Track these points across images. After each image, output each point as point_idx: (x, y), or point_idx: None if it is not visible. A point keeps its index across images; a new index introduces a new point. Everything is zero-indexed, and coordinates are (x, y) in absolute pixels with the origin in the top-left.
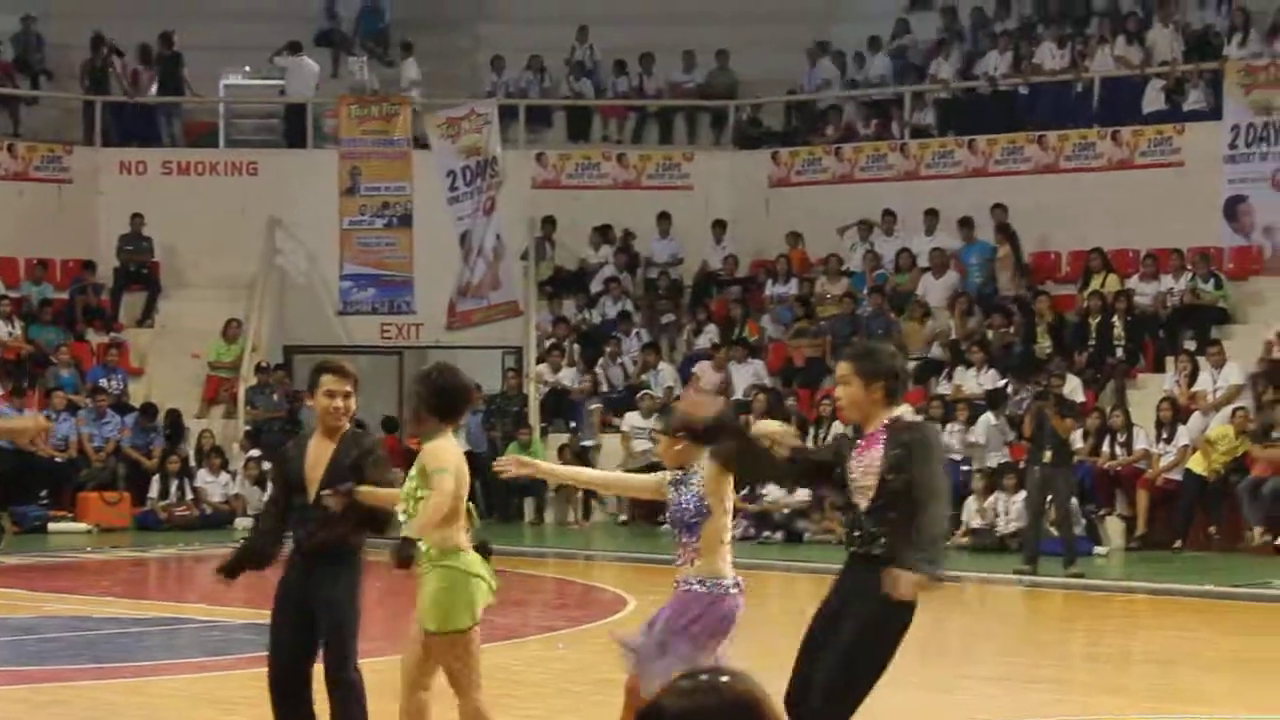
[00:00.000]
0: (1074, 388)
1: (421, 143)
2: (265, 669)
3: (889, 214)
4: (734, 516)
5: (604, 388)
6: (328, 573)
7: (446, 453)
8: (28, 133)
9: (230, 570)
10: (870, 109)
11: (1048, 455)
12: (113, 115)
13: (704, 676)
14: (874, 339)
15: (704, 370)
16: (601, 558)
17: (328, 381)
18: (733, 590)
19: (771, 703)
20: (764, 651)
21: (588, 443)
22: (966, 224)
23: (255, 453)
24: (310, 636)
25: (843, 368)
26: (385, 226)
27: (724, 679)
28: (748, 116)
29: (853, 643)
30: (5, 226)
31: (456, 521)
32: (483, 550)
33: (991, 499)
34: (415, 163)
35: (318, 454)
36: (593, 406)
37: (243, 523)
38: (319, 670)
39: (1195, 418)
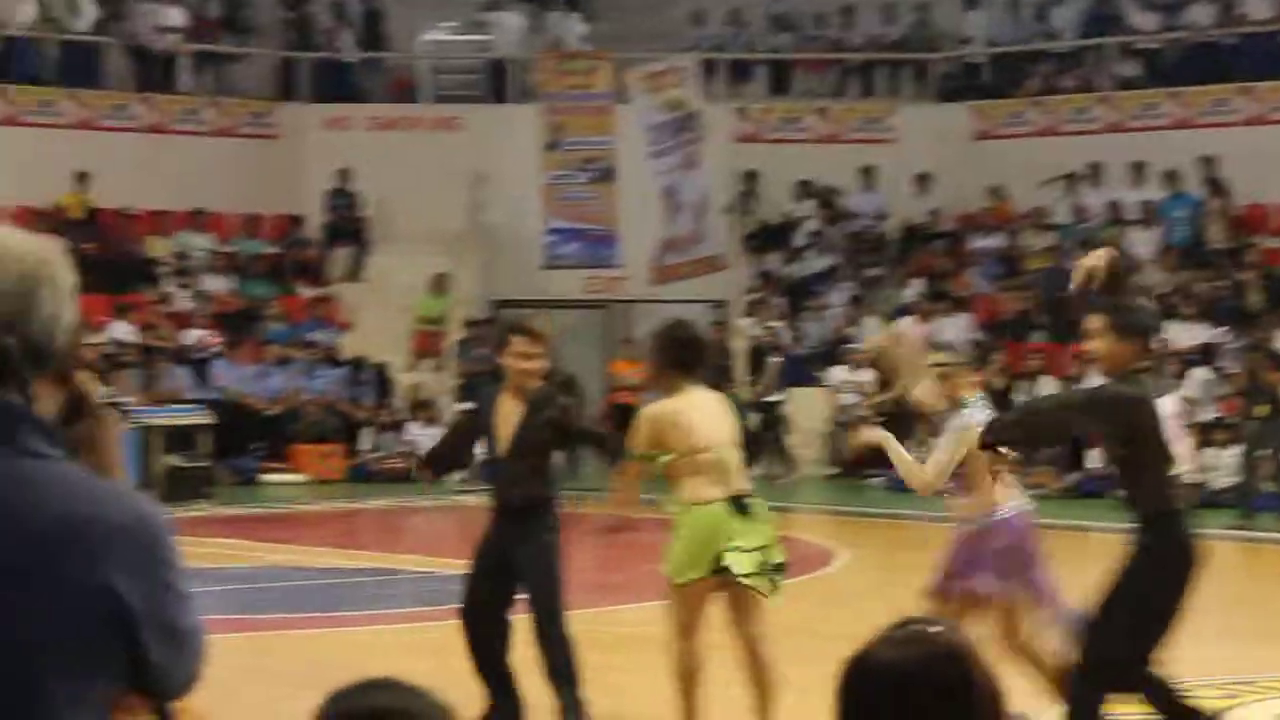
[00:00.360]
0: None
1: (624, 97)
2: None
3: (1094, 166)
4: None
5: (808, 342)
6: (526, 528)
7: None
8: (234, 89)
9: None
10: (1068, 60)
11: (1262, 409)
12: (316, 71)
13: (915, 627)
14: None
15: (906, 325)
16: (806, 511)
17: (519, 343)
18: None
19: (980, 655)
20: None
21: (773, 398)
22: (1171, 177)
23: (465, 406)
24: (507, 588)
25: (1095, 321)
26: (588, 181)
27: (934, 629)
28: (951, 69)
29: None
30: (215, 183)
31: (700, 474)
32: (738, 506)
33: (1205, 453)
34: (618, 117)
35: (506, 412)
36: (774, 360)
37: (453, 474)
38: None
39: None
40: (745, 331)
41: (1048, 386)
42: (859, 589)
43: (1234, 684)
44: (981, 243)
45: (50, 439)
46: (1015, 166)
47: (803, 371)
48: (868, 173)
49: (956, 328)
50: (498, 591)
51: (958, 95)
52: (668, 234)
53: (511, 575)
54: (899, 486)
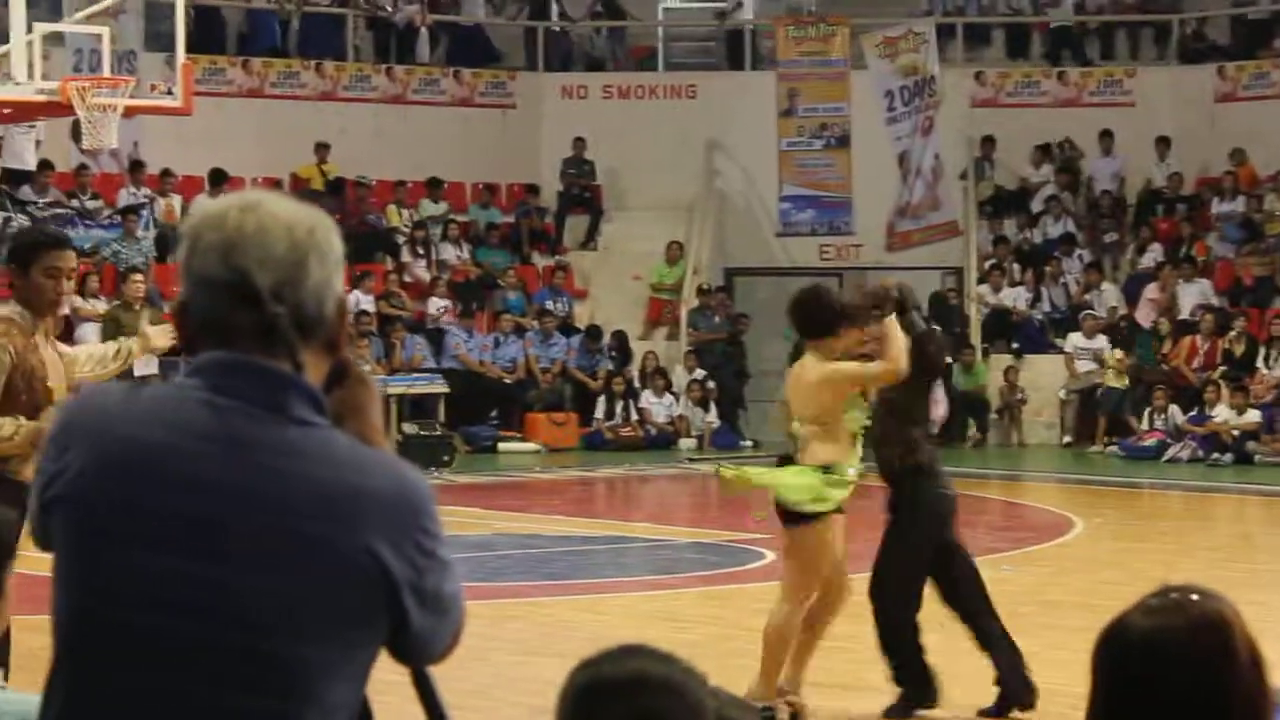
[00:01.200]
0: None
1: (859, 63)
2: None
3: None
4: (1182, 438)
5: (1046, 308)
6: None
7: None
8: (473, 60)
9: None
10: None
11: None
12: (553, 40)
13: (1174, 595)
14: None
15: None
16: (1042, 479)
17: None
18: None
19: (1242, 623)
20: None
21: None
22: None
23: (699, 374)
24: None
25: None
26: (823, 147)
27: (1194, 597)
28: (1192, 30)
29: None
30: (452, 152)
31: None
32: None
33: None
34: (853, 83)
35: None
36: None
37: (686, 444)
38: None
39: None
40: (982, 298)
41: None
42: (1097, 557)
43: None
44: (1222, 207)
45: (318, 407)
46: (1257, 129)
47: (1041, 338)
48: (1106, 136)
49: (1196, 293)
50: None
51: (1199, 57)
52: (902, 200)
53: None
54: (1136, 455)
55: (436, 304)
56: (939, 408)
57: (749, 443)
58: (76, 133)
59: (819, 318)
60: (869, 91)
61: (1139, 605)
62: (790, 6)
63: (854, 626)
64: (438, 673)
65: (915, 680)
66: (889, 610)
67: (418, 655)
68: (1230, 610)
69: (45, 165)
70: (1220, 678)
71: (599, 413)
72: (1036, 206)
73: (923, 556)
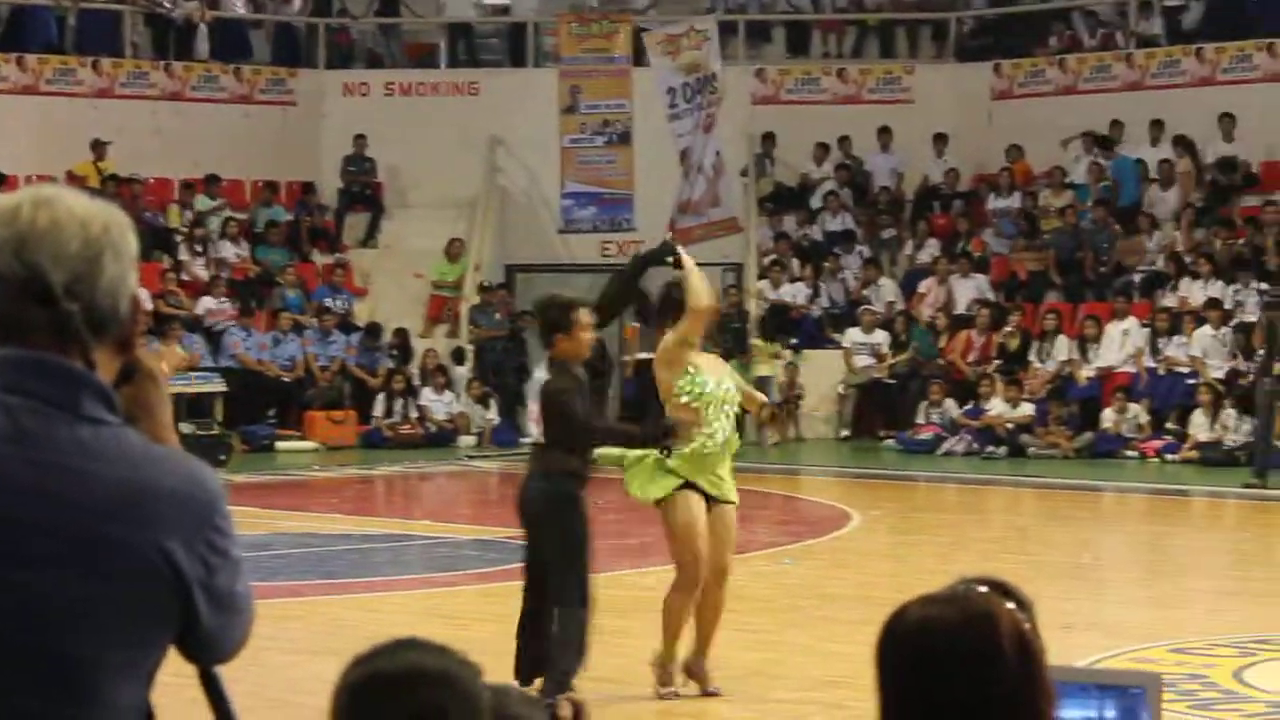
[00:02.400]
0: None
1: (641, 60)
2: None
3: (1115, 125)
4: (957, 431)
5: (825, 303)
6: None
7: None
8: (252, 57)
9: None
10: (1094, 19)
11: (1278, 367)
12: (334, 38)
13: (961, 586)
14: (1096, 253)
15: (925, 286)
16: (820, 473)
17: (585, 317)
18: None
19: (1010, 620)
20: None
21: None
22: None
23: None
24: None
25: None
26: (605, 144)
27: (977, 590)
28: (969, 29)
29: None
30: (232, 149)
31: None
32: None
33: (1219, 412)
34: (635, 80)
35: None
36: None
37: (465, 441)
38: None
39: None
40: (761, 294)
41: (1062, 347)
42: (874, 550)
43: (1250, 642)
44: (998, 203)
45: (110, 405)
46: (1033, 126)
47: (820, 334)
48: (885, 133)
49: (972, 288)
50: None
51: (976, 55)
52: (684, 197)
53: None
54: (912, 448)
55: (209, 303)
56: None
57: (530, 439)
58: None
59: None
60: (651, 88)
61: (923, 595)
62: (573, 3)
63: (625, 621)
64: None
65: None
66: None
67: (207, 654)
68: (999, 606)
69: None
70: (983, 671)
71: (378, 410)
72: (816, 202)
73: None
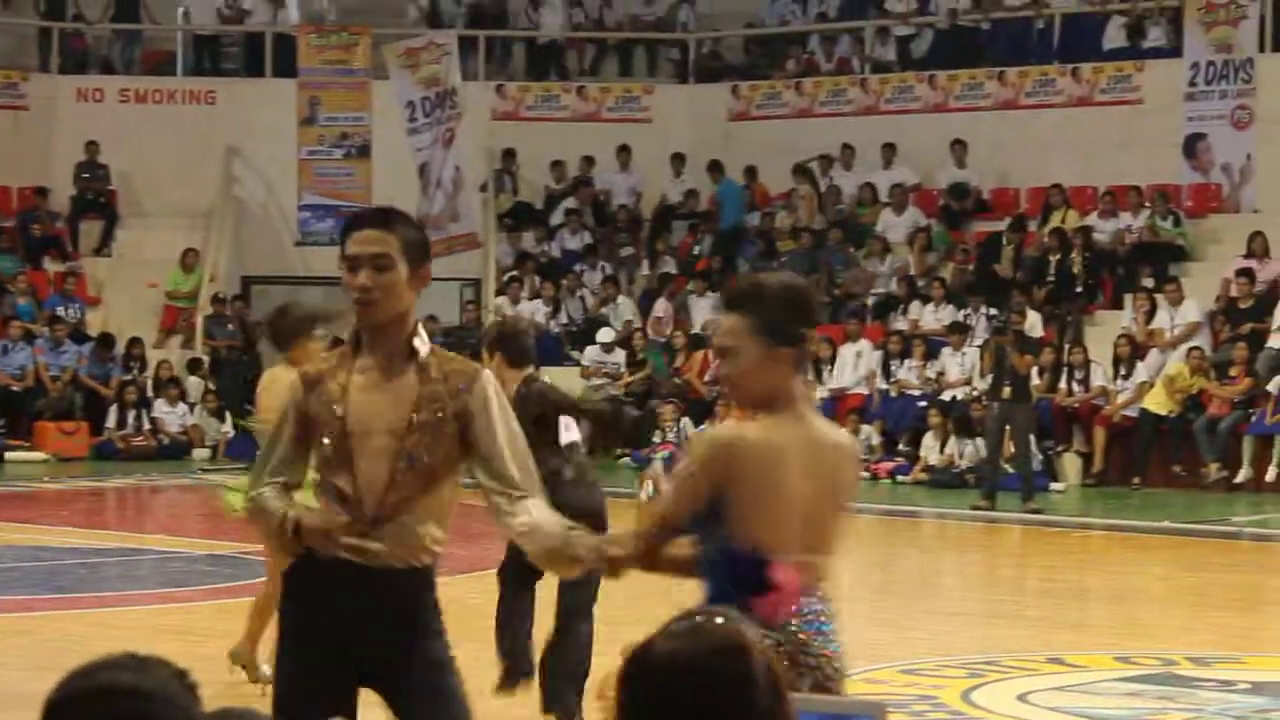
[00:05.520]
0: (1033, 324)
1: (381, 73)
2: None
3: (848, 148)
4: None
5: (564, 320)
6: None
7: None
8: None
9: None
10: (824, 43)
11: (1006, 391)
12: (69, 42)
13: (699, 618)
14: (831, 274)
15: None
16: None
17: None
18: None
19: (760, 649)
20: None
21: None
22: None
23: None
24: None
25: None
26: (344, 157)
27: (717, 621)
28: (708, 50)
29: None
30: None
31: None
32: None
33: (949, 436)
34: (374, 93)
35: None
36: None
37: (200, 453)
38: None
39: (1153, 355)
40: (500, 310)
41: None
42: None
43: (979, 663)
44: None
45: None
46: (770, 148)
47: (558, 351)
48: (624, 151)
49: (708, 307)
50: None
51: (714, 76)
52: (422, 212)
53: None
54: (645, 465)
55: None
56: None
57: None
58: None
59: (284, 329)
60: (390, 102)
61: (664, 629)
62: (311, 14)
63: None
64: None
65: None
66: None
67: None
68: (749, 635)
69: None
70: (738, 700)
71: (111, 422)
72: (555, 220)
73: None
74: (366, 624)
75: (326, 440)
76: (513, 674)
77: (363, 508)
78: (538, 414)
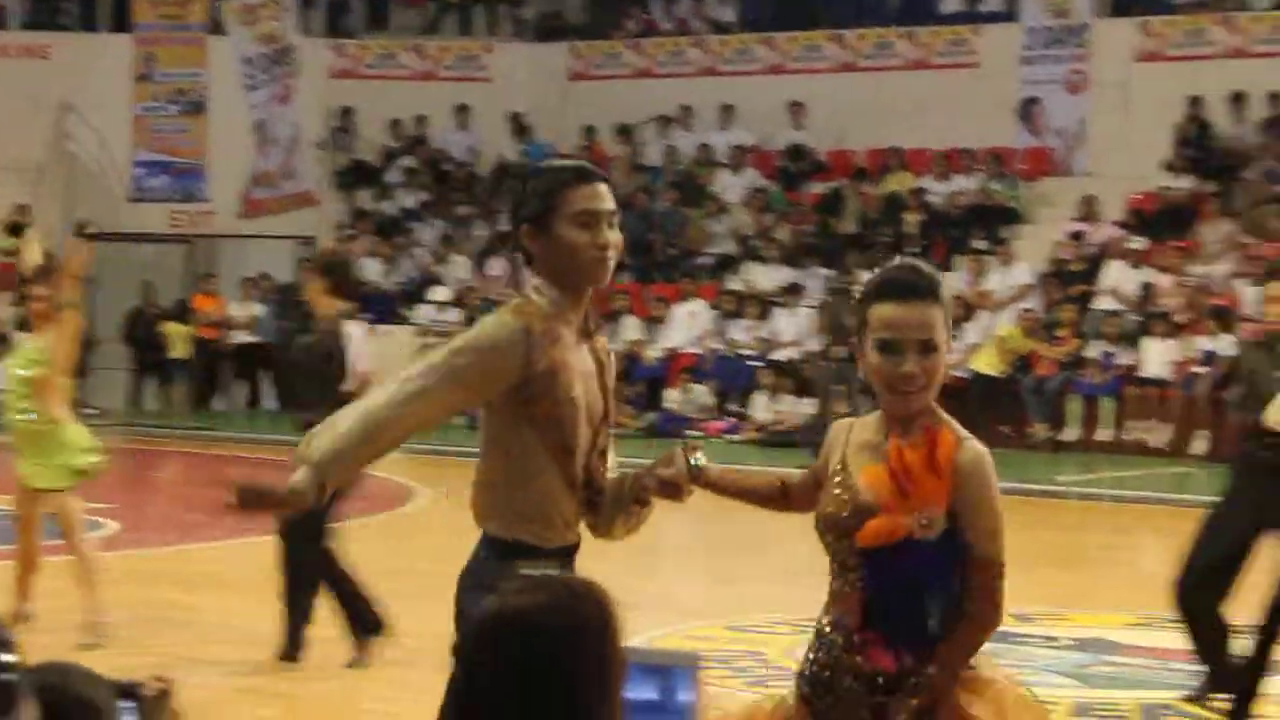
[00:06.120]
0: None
1: (218, 29)
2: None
3: (686, 109)
4: None
5: (400, 279)
6: None
7: None
8: None
9: None
10: (670, 3)
11: (840, 351)
12: None
13: (535, 575)
14: (666, 235)
15: (494, 265)
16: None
17: None
18: None
19: (601, 600)
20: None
21: None
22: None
23: None
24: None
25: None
26: (179, 113)
27: (553, 576)
28: (547, 9)
29: None
30: None
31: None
32: None
33: (781, 395)
34: (211, 49)
35: None
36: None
37: None
38: None
39: (983, 316)
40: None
41: (631, 327)
42: (436, 526)
43: (805, 620)
44: None
45: None
46: (609, 107)
47: (390, 309)
48: (462, 110)
49: None
50: None
51: (554, 35)
52: (258, 169)
53: None
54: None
55: None
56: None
57: (94, 410)
58: None
59: None
60: (228, 58)
61: (513, 585)
62: None
63: (195, 597)
64: None
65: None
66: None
67: None
68: (596, 590)
69: None
70: (572, 649)
71: None
72: (392, 178)
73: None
74: None
75: None
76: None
77: None
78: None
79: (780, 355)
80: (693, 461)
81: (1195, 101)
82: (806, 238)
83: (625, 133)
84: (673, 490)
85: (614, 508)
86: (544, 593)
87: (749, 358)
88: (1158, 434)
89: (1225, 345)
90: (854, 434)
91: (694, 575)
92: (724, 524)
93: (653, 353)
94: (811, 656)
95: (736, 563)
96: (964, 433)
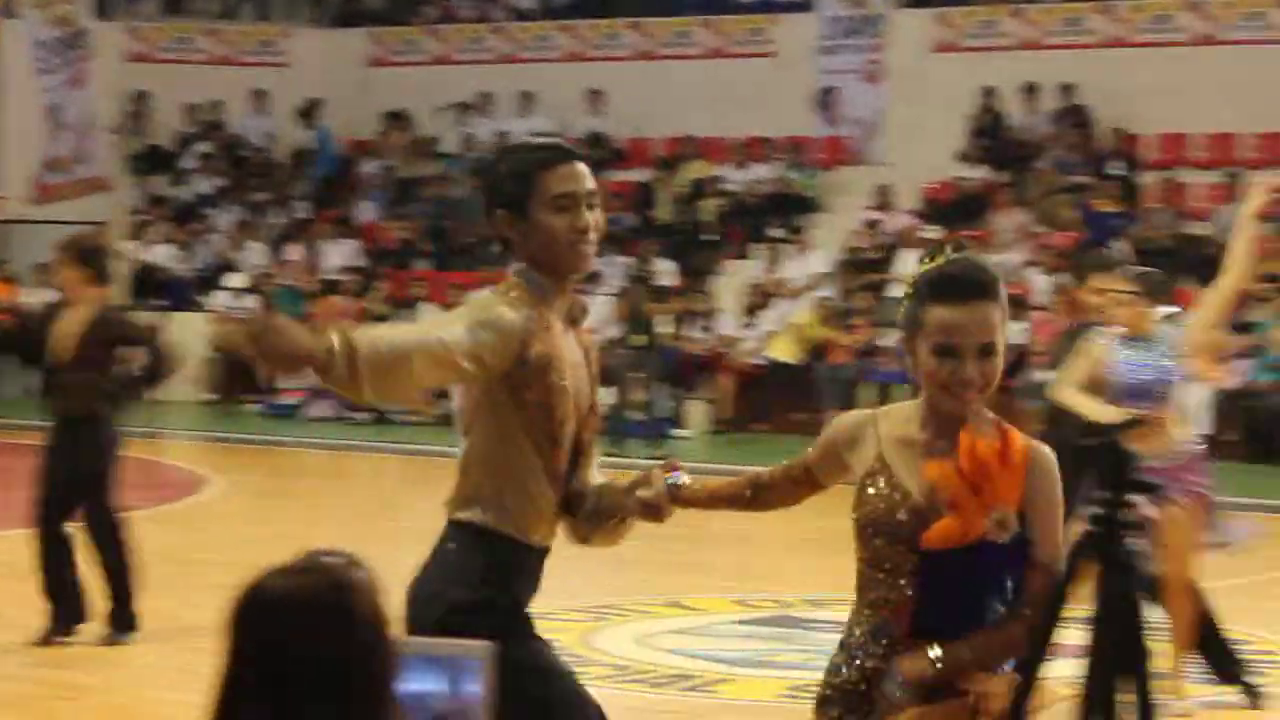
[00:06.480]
0: (665, 272)
1: (10, 12)
2: None
3: (486, 96)
4: (319, 397)
5: (196, 265)
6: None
7: None
8: None
9: None
10: None
11: (638, 339)
12: None
13: (311, 557)
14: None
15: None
16: (183, 436)
17: None
18: None
19: (367, 589)
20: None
21: None
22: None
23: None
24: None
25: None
26: None
27: (323, 560)
28: None
29: None
30: None
31: None
32: None
33: None
34: (3, 33)
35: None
36: None
37: None
38: None
39: (779, 304)
40: (130, 254)
41: (429, 313)
42: (230, 515)
43: (598, 607)
44: (371, 169)
45: None
46: (407, 94)
47: (186, 295)
48: (260, 96)
49: (343, 253)
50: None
51: (352, 21)
52: (50, 154)
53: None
54: (277, 412)
55: None
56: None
57: None
58: None
59: None
60: (20, 42)
61: (274, 567)
62: None
63: None
64: None
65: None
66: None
67: None
68: (358, 574)
69: None
70: (338, 635)
71: None
72: (188, 163)
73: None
74: None
75: None
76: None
77: None
78: (118, 337)
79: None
80: (670, 481)
81: (989, 92)
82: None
83: (424, 120)
84: (653, 512)
85: (592, 520)
86: (307, 575)
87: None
88: None
89: (1016, 333)
90: (883, 429)
91: None
92: None
93: None
94: (844, 672)
95: None
96: (1020, 431)
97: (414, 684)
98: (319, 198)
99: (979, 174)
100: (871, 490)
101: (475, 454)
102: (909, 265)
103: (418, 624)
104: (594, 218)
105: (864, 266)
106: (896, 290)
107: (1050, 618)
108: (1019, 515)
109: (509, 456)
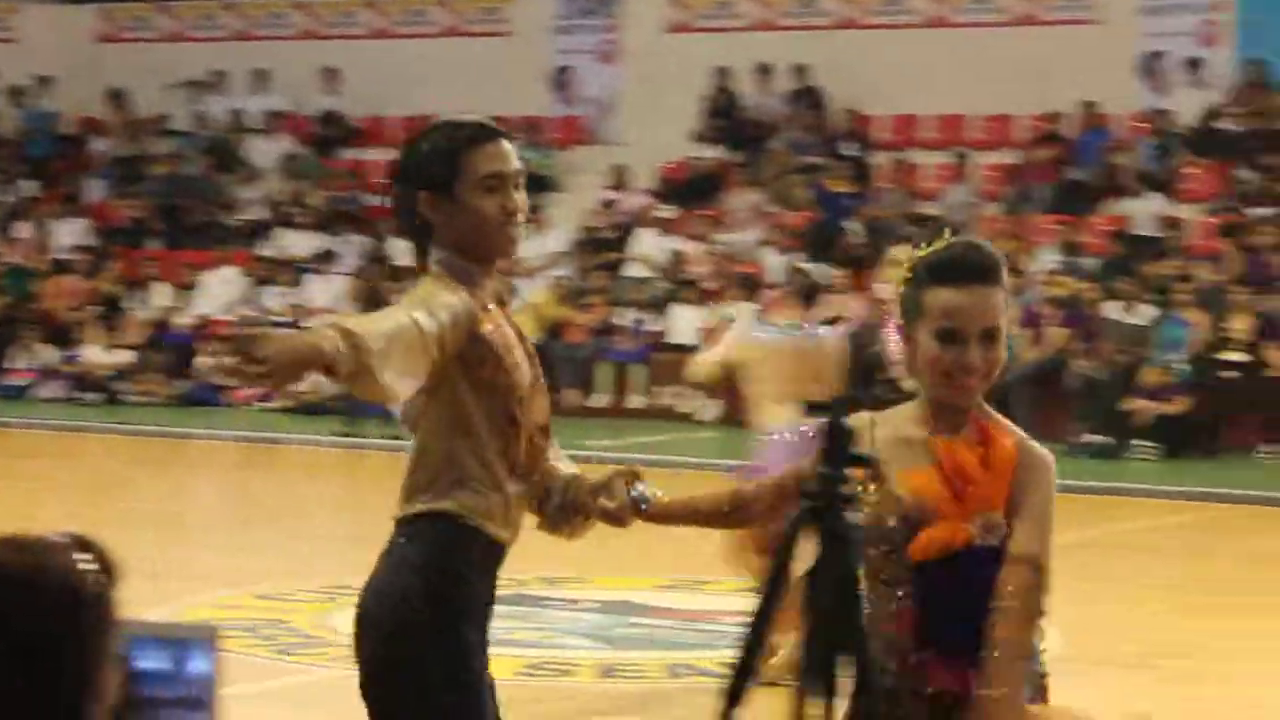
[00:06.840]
0: (402, 251)
1: None
2: None
3: (219, 74)
4: (53, 377)
5: None
6: None
7: None
8: None
9: None
10: None
11: None
12: None
13: (31, 537)
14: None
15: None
16: None
17: None
18: None
19: (83, 570)
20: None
21: None
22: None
23: None
24: None
25: None
26: None
27: (48, 540)
28: None
29: None
30: None
31: None
32: None
33: None
34: None
35: None
36: None
37: None
38: None
39: (518, 283)
40: None
41: (162, 294)
42: None
43: (334, 588)
44: (101, 147)
45: None
46: (140, 71)
47: None
48: None
49: (73, 232)
50: None
51: None
52: None
53: None
54: (4, 394)
55: None
56: None
57: None
58: None
59: None
60: None
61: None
62: None
63: None
64: None
65: None
66: None
67: None
68: (78, 551)
69: None
70: (57, 623)
71: None
72: None
73: None
74: None
75: None
76: None
77: None
78: None
79: (312, 323)
80: (634, 493)
81: (723, 73)
82: (340, 204)
83: (155, 98)
84: (615, 522)
85: (558, 516)
86: (19, 553)
87: (282, 325)
88: (686, 400)
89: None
90: (880, 432)
91: (221, 544)
92: (250, 494)
93: (184, 320)
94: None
95: (265, 532)
96: (1017, 430)
97: (141, 663)
98: (47, 176)
99: (714, 154)
100: (865, 499)
101: (428, 445)
102: (645, 244)
103: (372, 622)
104: (521, 199)
105: (600, 246)
106: (632, 270)
107: (773, 597)
108: (1007, 515)
109: (466, 444)
